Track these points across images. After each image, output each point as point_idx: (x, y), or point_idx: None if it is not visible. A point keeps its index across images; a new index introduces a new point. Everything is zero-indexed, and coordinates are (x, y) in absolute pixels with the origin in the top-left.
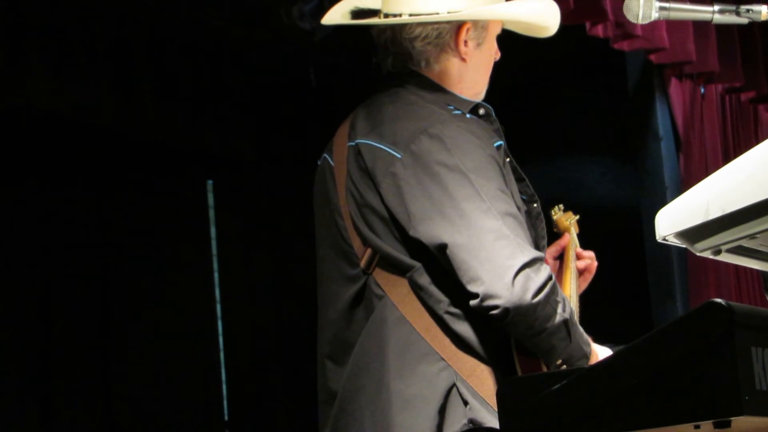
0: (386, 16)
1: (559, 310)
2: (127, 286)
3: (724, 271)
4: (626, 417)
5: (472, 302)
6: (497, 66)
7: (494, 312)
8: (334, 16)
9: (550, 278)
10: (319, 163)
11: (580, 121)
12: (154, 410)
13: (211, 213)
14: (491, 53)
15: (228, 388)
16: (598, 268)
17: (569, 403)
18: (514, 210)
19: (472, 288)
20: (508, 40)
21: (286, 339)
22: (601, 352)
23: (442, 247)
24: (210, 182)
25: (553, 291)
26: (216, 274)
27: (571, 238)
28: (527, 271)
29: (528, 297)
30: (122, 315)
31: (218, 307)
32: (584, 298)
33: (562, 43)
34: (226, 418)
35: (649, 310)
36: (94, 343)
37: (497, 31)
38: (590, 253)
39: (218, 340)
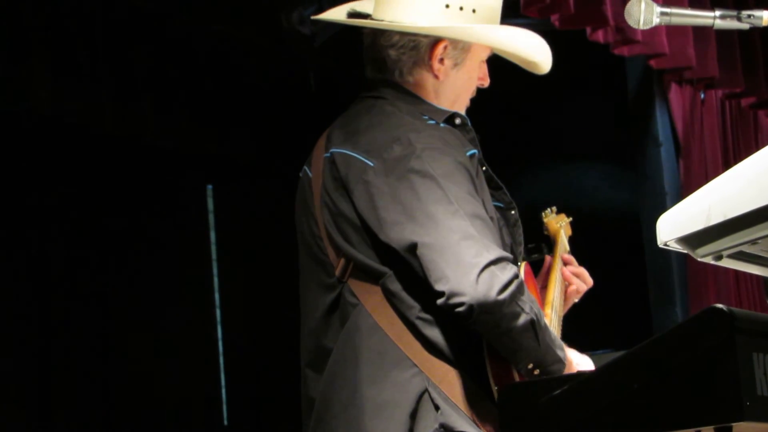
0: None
1: (526, 309)
2: (127, 290)
3: (724, 276)
4: (627, 423)
5: (439, 301)
6: (497, 71)
7: (459, 309)
8: (330, 15)
9: (515, 277)
10: (300, 175)
11: (580, 127)
12: (154, 415)
13: (211, 218)
14: (471, 77)
15: (227, 393)
16: (599, 273)
17: (570, 409)
18: (483, 213)
19: (439, 287)
20: None
21: (285, 344)
22: (577, 359)
23: (412, 249)
24: (210, 187)
25: (519, 290)
26: (216, 279)
27: (560, 240)
28: (492, 268)
29: (492, 294)
30: (122, 319)
31: (218, 311)
32: (584, 303)
33: (562, 48)
34: (225, 422)
35: (649, 316)
36: (94, 347)
37: (482, 56)
38: (580, 270)
39: (218, 344)
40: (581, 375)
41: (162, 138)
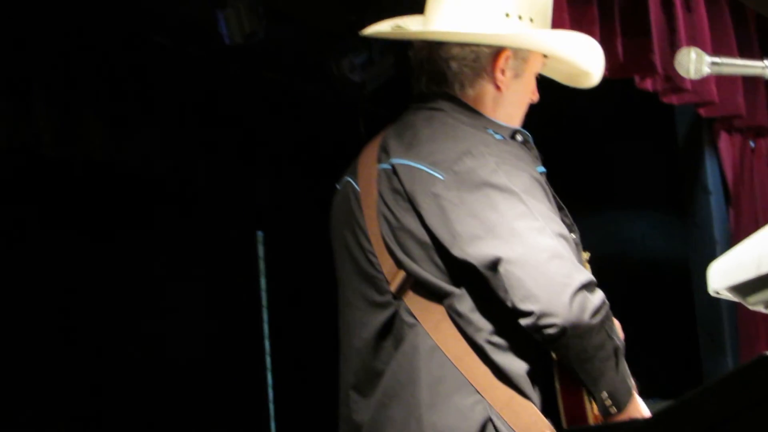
0: None
1: (614, 336)
2: (178, 337)
3: None
4: None
5: (525, 321)
6: (547, 119)
7: (550, 331)
8: (376, 29)
9: (605, 302)
10: (338, 187)
11: (629, 175)
12: None
13: (261, 264)
14: (529, 89)
15: None
16: (649, 322)
17: None
18: (566, 233)
19: (526, 306)
20: (556, 93)
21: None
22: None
23: (493, 265)
24: (260, 233)
25: (609, 316)
26: (266, 326)
27: None
28: (584, 291)
29: (586, 317)
30: (171, 369)
31: (268, 358)
32: (635, 352)
33: (611, 96)
34: None
35: (700, 365)
36: (144, 383)
37: (537, 68)
38: None
39: (268, 392)
40: (633, 423)
41: (213, 183)
